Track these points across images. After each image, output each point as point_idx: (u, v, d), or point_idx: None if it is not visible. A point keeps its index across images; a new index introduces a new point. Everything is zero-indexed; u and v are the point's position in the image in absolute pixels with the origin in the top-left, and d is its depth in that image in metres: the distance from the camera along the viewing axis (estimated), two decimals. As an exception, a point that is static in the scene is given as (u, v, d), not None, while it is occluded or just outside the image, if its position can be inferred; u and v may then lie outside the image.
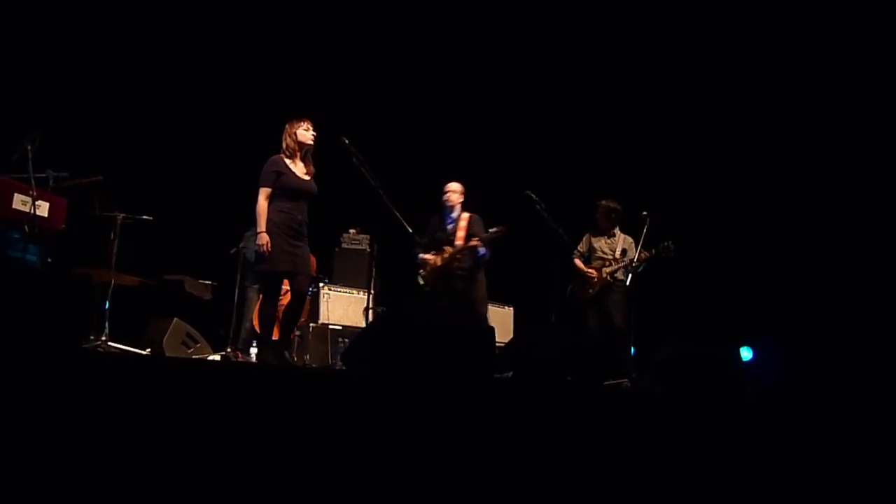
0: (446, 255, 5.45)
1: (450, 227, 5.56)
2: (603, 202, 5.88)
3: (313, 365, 5.85)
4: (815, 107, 6.42)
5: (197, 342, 5.08)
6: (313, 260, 5.92)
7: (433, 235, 5.56)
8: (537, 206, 5.40)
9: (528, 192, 5.43)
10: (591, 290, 5.78)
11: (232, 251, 5.96)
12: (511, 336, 6.03)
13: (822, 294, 6.12)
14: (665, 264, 5.74)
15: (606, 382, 4.35)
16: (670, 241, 5.60)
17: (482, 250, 5.42)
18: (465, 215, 5.57)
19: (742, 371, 4.03)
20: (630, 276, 5.66)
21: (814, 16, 6.34)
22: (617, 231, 5.89)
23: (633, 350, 5.59)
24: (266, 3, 6.67)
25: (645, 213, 5.71)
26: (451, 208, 5.57)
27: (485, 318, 5.57)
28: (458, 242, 5.47)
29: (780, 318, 6.25)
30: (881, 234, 5.91)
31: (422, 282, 5.52)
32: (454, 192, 5.57)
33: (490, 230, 5.44)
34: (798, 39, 6.44)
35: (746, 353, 6.47)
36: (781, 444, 3.18)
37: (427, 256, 5.51)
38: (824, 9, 6.31)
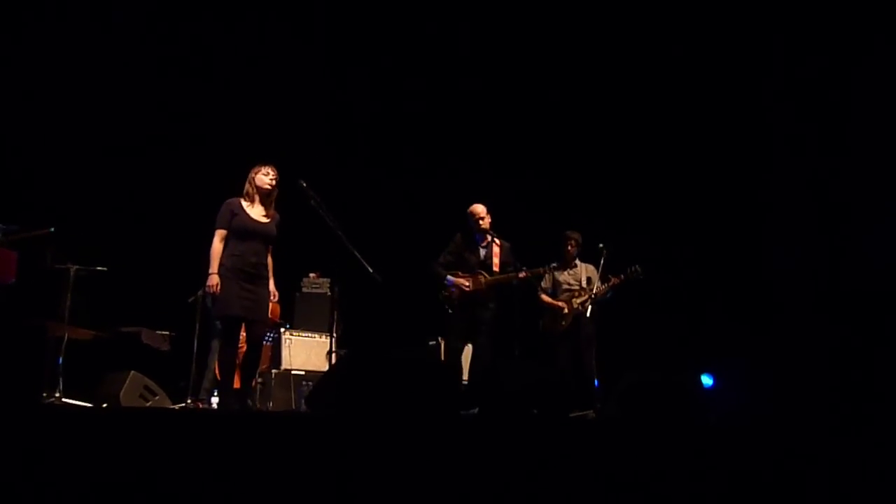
0: (483, 282, 5.31)
1: (482, 251, 5.43)
2: (569, 233, 5.96)
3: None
4: (763, 133, 6.67)
5: (156, 394, 4.97)
6: (277, 307, 5.89)
7: (461, 256, 5.40)
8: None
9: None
10: (563, 323, 5.83)
11: (190, 300, 5.86)
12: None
13: (775, 322, 6.31)
14: (628, 291, 5.85)
15: (573, 414, 4.38)
16: (637, 266, 5.72)
17: (516, 282, 5.34)
18: (498, 241, 5.43)
19: (703, 397, 4.12)
20: (590, 305, 5.73)
21: (756, 49, 6.64)
22: (578, 262, 5.99)
23: (595, 381, 5.64)
24: (222, 46, 6.70)
25: (601, 245, 5.83)
26: (484, 232, 5.41)
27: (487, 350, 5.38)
28: (496, 269, 5.34)
29: (739, 346, 6.38)
30: (828, 262, 6.14)
31: (445, 302, 5.35)
32: (486, 214, 5.41)
33: (545, 267, 5.47)
34: (743, 67, 6.71)
35: (707, 380, 6.57)
36: (741, 467, 3.24)
37: (461, 280, 5.32)
38: (766, 48, 6.61)
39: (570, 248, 5.95)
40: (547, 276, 5.95)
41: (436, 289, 5.42)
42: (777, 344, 6.17)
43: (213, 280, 4.19)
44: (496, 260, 5.37)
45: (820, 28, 6.25)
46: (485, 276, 5.34)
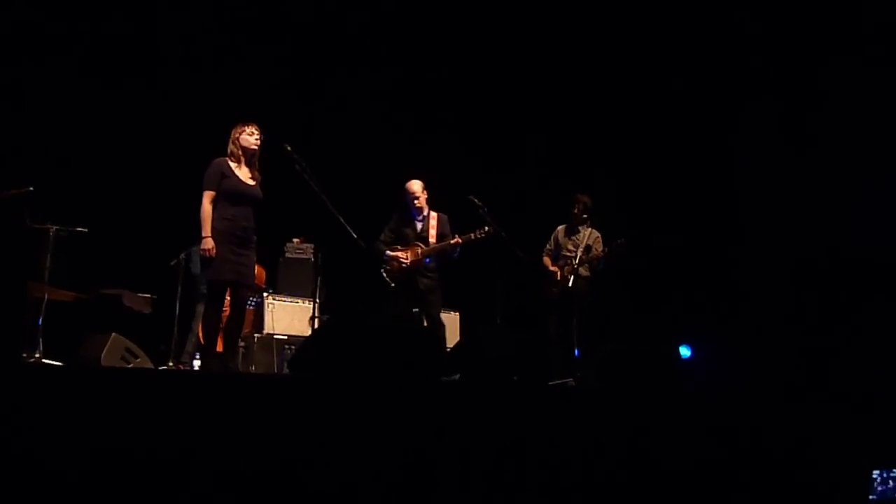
0: (420, 253, 5.48)
1: (419, 224, 5.59)
2: (578, 195, 5.90)
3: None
4: (740, 114, 6.73)
5: (137, 357, 4.93)
6: (262, 271, 5.86)
7: (400, 232, 5.58)
8: (480, 211, 5.46)
9: (470, 196, 5.49)
10: (555, 290, 5.85)
11: (172, 262, 5.82)
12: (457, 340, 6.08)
13: (750, 298, 6.42)
14: (612, 263, 5.88)
15: (552, 382, 4.44)
16: (622, 239, 5.74)
17: (457, 251, 5.45)
18: (434, 214, 5.61)
19: (680, 368, 4.18)
20: (574, 274, 5.74)
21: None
22: (586, 227, 5.90)
23: (576, 350, 5.70)
24: (209, 7, 6.57)
25: (585, 215, 5.84)
26: (420, 207, 5.58)
27: (440, 322, 5.60)
28: (432, 241, 5.51)
29: (716, 319, 6.49)
30: (801, 241, 6.25)
31: (386, 277, 5.52)
32: (422, 191, 5.57)
33: (477, 231, 5.42)
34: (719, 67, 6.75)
35: (685, 352, 6.67)
36: (718, 436, 3.32)
37: (397, 254, 5.53)
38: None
39: (576, 210, 5.89)
40: (553, 235, 5.96)
41: (378, 265, 5.57)
42: (751, 318, 6.30)
43: (209, 244, 4.15)
44: (433, 232, 5.54)
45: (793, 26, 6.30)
46: (421, 248, 5.51)
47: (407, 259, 5.52)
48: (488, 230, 5.36)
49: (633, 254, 5.85)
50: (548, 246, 6.00)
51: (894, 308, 5.54)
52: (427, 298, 5.50)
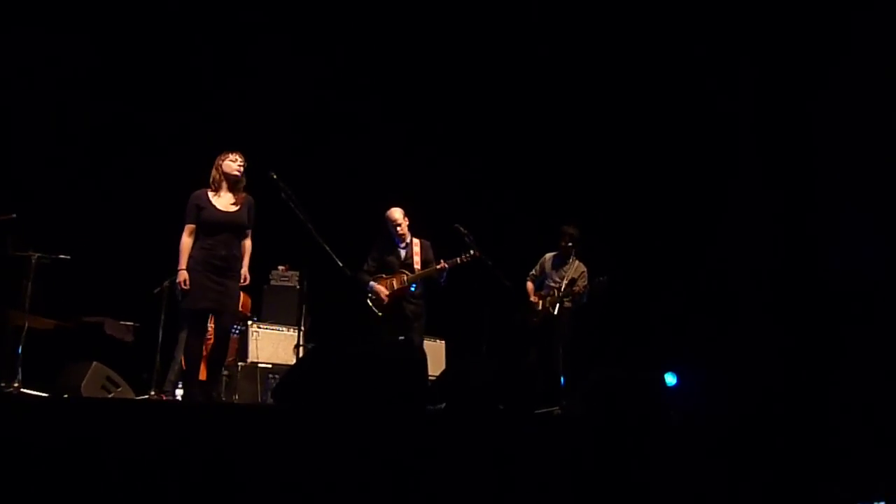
0: (405, 280, 5.46)
1: (402, 251, 5.57)
2: (564, 227, 5.93)
3: (242, 405, 5.69)
4: (726, 138, 6.83)
5: (118, 386, 4.87)
6: (248, 299, 5.82)
7: (383, 260, 5.56)
8: (466, 239, 5.48)
9: (456, 225, 5.51)
10: (535, 319, 5.87)
11: (156, 290, 5.77)
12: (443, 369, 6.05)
13: (734, 325, 6.48)
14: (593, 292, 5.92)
15: (538, 410, 4.41)
16: (604, 277, 5.76)
17: (444, 276, 5.43)
18: (417, 241, 5.60)
19: (666, 396, 4.19)
20: (560, 305, 5.76)
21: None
22: (571, 259, 5.94)
23: (562, 378, 5.69)
24: (192, 32, 6.60)
25: (570, 244, 5.87)
26: (402, 234, 5.56)
27: (421, 349, 5.57)
28: (417, 267, 5.49)
29: (703, 348, 6.53)
30: (787, 265, 6.32)
31: (372, 306, 5.49)
32: (403, 218, 5.55)
33: (463, 255, 5.41)
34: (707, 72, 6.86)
35: (671, 379, 6.68)
36: (702, 463, 3.31)
37: (380, 286, 5.48)
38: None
39: (562, 242, 5.92)
40: (541, 261, 5.97)
41: (363, 295, 5.56)
42: (735, 347, 6.35)
43: (182, 276, 4.17)
44: (417, 259, 5.53)
45: (784, 40, 6.42)
46: (407, 275, 5.50)
47: (392, 286, 5.49)
48: (473, 254, 5.38)
49: (615, 290, 5.88)
50: (533, 271, 6.02)
51: (874, 334, 5.59)
52: (412, 325, 5.48)
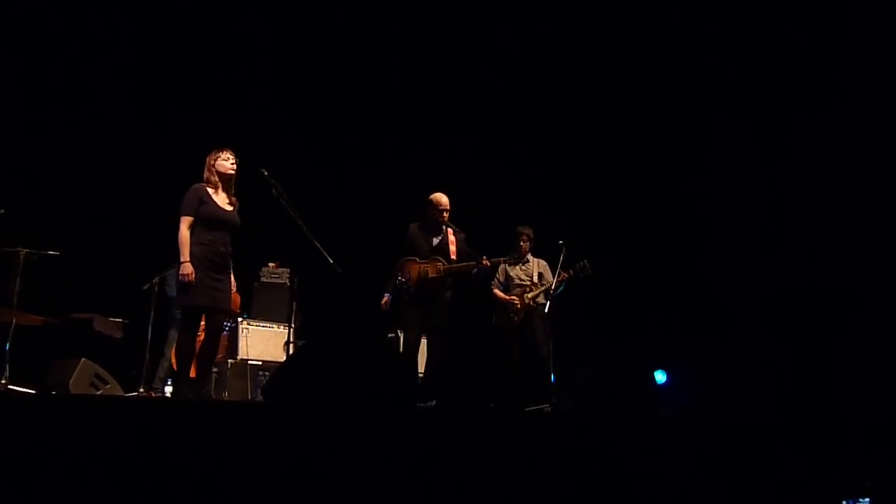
0: (441, 269, 5.31)
1: (436, 240, 5.43)
2: (521, 228, 6.03)
3: (232, 402, 5.67)
4: (711, 137, 6.88)
5: (107, 383, 4.84)
6: (237, 297, 5.81)
7: (416, 246, 5.41)
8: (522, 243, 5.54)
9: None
10: (515, 318, 5.91)
11: (145, 287, 5.75)
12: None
13: (723, 324, 6.52)
14: (583, 287, 5.94)
15: (528, 408, 4.42)
16: (586, 260, 5.82)
17: (475, 270, 5.34)
18: (451, 231, 5.45)
19: (656, 393, 4.21)
20: (548, 300, 5.80)
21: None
22: (529, 256, 6.06)
23: (552, 375, 5.71)
24: (181, 31, 6.57)
25: (561, 241, 5.89)
26: (441, 222, 5.42)
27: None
28: (453, 257, 5.35)
29: (693, 345, 6.56)
30: (775, 265, 6.37)
31: (401, 288, 5.32)
32: (448, 206, 5.43)
33: (504, 258, 5.50)
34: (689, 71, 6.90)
35: (661, 377, 6.71)
36: (692, 462, 3.33)
37: (416, 266, 5.32)
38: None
39: (521, 242, 6.01)
40: (500, 269, 6.02)
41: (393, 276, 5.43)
42: (725, 345, 6.39)
43: (188, 269, 4.11)
44: (452, 248, 5.39)
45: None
46: (443, 263, 5.35)
47: (428, 271, 5.29)
48: (512, 258, 5.50)
49: (606, 275, 5.92)
50: (495, 279, 6.05)
51: (861, 333, 5.64)
52: (437, 321, 5.31)
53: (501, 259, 5.55)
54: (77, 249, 5.53)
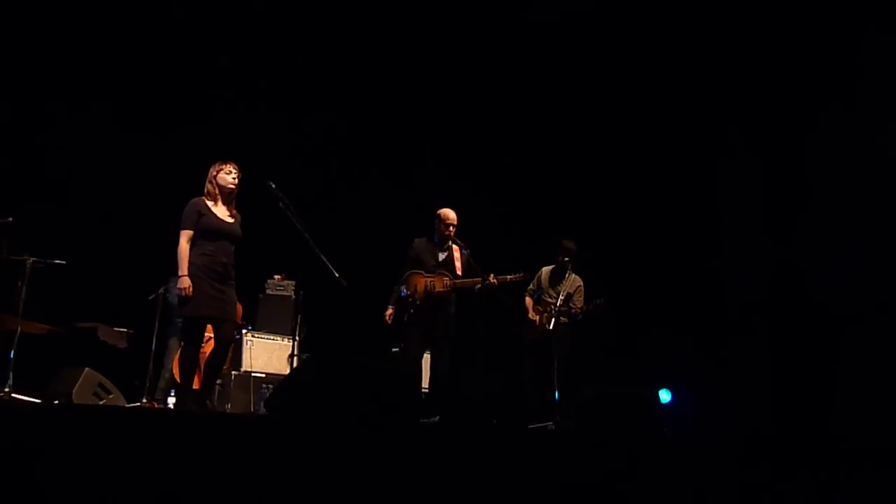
0: (447, 284, 5.31)
1: (442, 255, 5.44)
2: (562, 241, 5.89)
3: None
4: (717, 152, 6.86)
5: (110, 393, 4.85)
6: (239, 307, 5.81)
7: (421, 260, 5.40)
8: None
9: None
10: (533, 335, 5.85)
11: (151, 297, 5.76)
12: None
13: (730, 342, 6.48)
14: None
15: (531, 425, 4.41)
16: (602, 299, 5.73)
17: (478, 287, 5.32)
18: (456, 247, 5.44)
19: (660, 411, 4.18)
20: (557, 321, 5.74)
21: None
22: (568, 273, 5.88)
23: (556, 393, 5.68)
24: (188, 43, 6.62)
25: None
26: (448, 237, 5.43)
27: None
28: (459, 273, 5.35)
29: (699, 365, 6.52)
30: (781, 281, 6.34)
31: (407, 292, 5.30)
32: (455, 221, 5.44)
33: (510, 275, 5.36)
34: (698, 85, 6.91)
35: (665, 396, 6.67)
36: (696, 481, 3.30)
37: (423, 279, 5.32)
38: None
39: (560, 256, 5.88)
40: (539, 276, 5.96)
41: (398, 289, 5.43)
42: (732, 364, 6.34)
43: (185, 282, 4.12)
44: (458, 264, 5.39)
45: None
46: (450, 278, 5.34)
47: (435, 285, 5.29)
48: (523, 276, 5.36)
49: (612, 306, 5.85)
50: (531, 286, 5.99)
51: (865, 347, 5.59)
52: (441, 336, 5.31)
53: (509, 276, 5.36)
54: (83, 259, 5.55)
